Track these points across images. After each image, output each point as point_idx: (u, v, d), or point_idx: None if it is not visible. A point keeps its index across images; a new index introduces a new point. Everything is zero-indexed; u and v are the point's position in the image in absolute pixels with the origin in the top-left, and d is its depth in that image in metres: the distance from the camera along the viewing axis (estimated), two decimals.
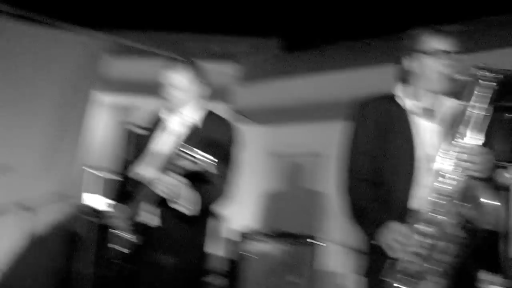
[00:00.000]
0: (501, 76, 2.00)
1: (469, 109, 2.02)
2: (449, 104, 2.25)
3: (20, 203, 4.43)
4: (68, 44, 5.47)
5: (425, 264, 2.00)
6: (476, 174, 2.00)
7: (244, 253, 4.61)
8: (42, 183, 4.83)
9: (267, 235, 4.70)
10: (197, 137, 2.67)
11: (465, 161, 1.99)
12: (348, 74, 4.97)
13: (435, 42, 2.21)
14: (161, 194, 2.44)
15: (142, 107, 5.61)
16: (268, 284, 4.53)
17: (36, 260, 4.75)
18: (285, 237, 4.68)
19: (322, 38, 5.41)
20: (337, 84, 5.01)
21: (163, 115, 2.85)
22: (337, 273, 4.78)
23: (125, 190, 2.82)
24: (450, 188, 2.01)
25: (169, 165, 2.42)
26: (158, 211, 2.55)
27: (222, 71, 5.59)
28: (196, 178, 2.48)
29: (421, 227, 2.02)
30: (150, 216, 2.56)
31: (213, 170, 2.34)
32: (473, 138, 2.01)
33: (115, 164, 3.05)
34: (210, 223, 2.71)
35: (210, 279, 3.22)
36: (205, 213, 2.58)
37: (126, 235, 2.59)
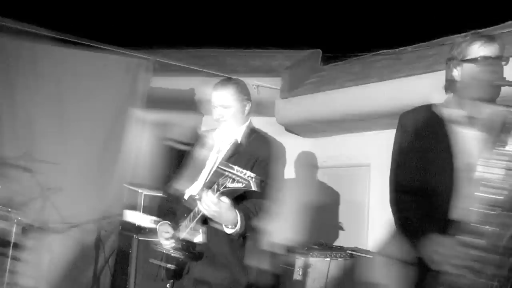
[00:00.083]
0: None
1: (511, 116, 1.96)
2: (491, 111, 2.18)
3: (65, 220, 4.54)
4: (109, 64, 5.61)
5: (476, 278, 1.92)
6: None
7: (288, 267, 4.57)
8: (85, 201, 4.94)
9: (310, 248, 4.65)
10: (238, 154, 2.65)
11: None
12: (391, 83, 4.89)
13: (477, 49, 2.15)
14: (203, 211, 2.44)
15: (182, 123, 5.70)
16: None
17: (80, 275, 4.85)
18: (328, 250, 4.63)
19: (362, 48, 5.38)
20: (380, 94, 4.93)
21: (204, 131, 2.86)
22: (382, 285, 4.68)
23: (167, 206, 2.85)
24: (500, 197, 1.93)
25: (211, 183, 2.41)
26: (201, 227, 2.55)
27: (264, 85, 5.60)
28: (238, 196, 2.48)
29: (467, 238, 1.95)
30: (193, 233, 2.57)
31: (255, 187, 2.32)
32: None
33: (156, 181, 3.08)
34: (252, 237, 2.70)
35: None
36: (247, 229, 2.57)
37: (169, 251, 2.61)
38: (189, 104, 5.37)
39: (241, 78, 2.88)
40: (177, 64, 5.60)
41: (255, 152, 2.65)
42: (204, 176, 2.59)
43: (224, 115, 2.73)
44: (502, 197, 1.93)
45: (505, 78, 2.08)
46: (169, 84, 5.77)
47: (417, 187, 2.18)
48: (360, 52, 5.73)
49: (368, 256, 4.56)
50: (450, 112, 2.21)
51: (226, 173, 2.31)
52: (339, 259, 4.56)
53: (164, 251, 2.64)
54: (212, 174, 2.43)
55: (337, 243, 5.17)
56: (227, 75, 4.99)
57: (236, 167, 2.30)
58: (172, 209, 2.75)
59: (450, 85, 2.24)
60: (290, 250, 4.66)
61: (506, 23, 4.26)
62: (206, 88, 2.79)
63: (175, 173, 2.85)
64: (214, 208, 2.38)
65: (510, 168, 1.93)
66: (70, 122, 5.30)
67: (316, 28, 5.32)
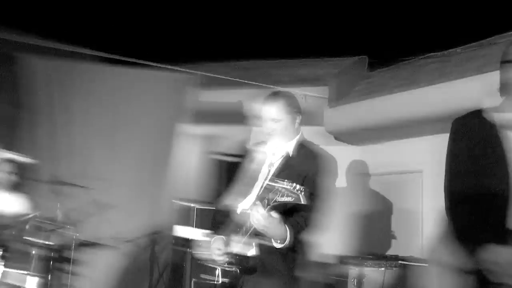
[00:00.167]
0: None
1: None
2: None
3: (119, 235, 4.63)
4: (157, 81, 5.75)
5: None
6: None
7: (341, 278, 4.51)
8: (138, 216, 5.04)
9: (364, 258, 4.58)
10: (289, 167, 2.63)
11: None
12: (440, 87, 4.77)
13: None
14: (253, 225, 2.44)
15: (231, 137, 5.74)
16: None
17: None
18: (383, 259, 4.54)
19: (409, 52, 5.28)
20: (430, 98, 4.82)
21: (254, 145, 2.86)
22: None
23: (219, 221, 2.86)
24: None
25: (262, 197, 2.41)
26: (251, 241, 2.55)
27: (311, 94, 5.58)
28: (288, 209, 2.46)
29: None
30: (246, 247, 2.57)
31: (304, 201, 2.30)
32: None
33: (205, 195, 3.10)
34: (303, 250, 2.68)
35: None
36: (297, 241, 2.55)
37: (223, 266, 2.62)
38: (238, 117, 5.42)
39: (288, 89, 2.88)
40: (224, 77, 5.66)
41: (306, 165, 2.63)
42: (255, 190, 2.58)
43: (275, 129, 2.72)
44: None
45: None
46: (217, 98, 5.82)
47: (472, 195, 2.11)
48: (407, 56, 5.63)
49: (422, 265, 4.44)
50: (504, 117, 2.13)
51: (276, 187, 2.30)
52: (394, 268, 4.46)
53: (218, 266, 2.65)
54: (263, 189, 2.42)
55: (390, 252, 5.06)
56: (273, 86, 4.99)
57: (286, 181, 2.29)
58: (224, 223, 2.76)
59: (505, 88, 2.16)
60: (343, 260, 4.60)
61: None
62: (254, 101, 2.78)
63: (226, 187, 2.86)
64: (264, 222, 2.38)
65: None
66: (121, 139, 5.44)
67: (361, 34, 5.27)
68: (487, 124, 2.15)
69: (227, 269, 2.61)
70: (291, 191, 2.29)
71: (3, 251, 2.85)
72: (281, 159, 2.69)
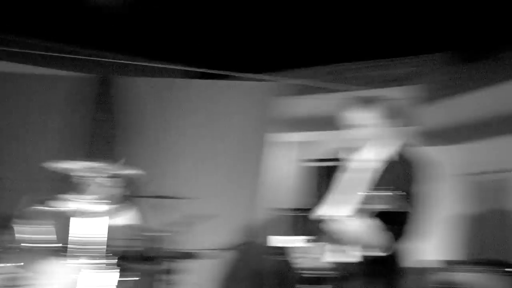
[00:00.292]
0: None
1: None
2: None
3: (212, 246, 4.74)
4: (244, 91, 5.89)
5: None
6: None
7: (443, 285, 4.36)
8: (230, 226, 5.14)
9: (465, 263, 4.40)
10: (386, 173, 2.60)
11: None
12: None
13: None
14: (353, 233, 2.42)
15: (323, 143, 5.74)
16: None
17: None
18: (486, 265, 4.33)
19: (499, 44, 5.04)
20: None
21: (348, 151, 2.84)
22: None
23: (314, 228, 2.86)
24: None
25: (359, 204, 2.39)
26: (350, 249, 2.54)
27: (402, 95, 5.47)
28: (388, 216, 2.43)
29: None
30: (343, 254, 2.56)
31: (403, 207, 2.25)
32: None
33: (300, 203, 3.11)
34: (404, 256, 2.63)
35: None
36: (398, 249, 2.51)
37: (319, 274, 2.62)
38: (330, 123, 5.38)
39: (378, 90, 2.85)
40: (307, 84, 5.68)
41: (405, 170, 2.58)
42: (352, 197, 2.56)
43: (370, 134, 2.70)
44: None
45: None
46: (308, 104, 5.84)
47: None
48: (498, 49, 5.36)
49: None
50: None
51: (375, 194, 2.27)
52: (499, 274, 4.25)
53: (316, 274, 2.65)
54: (361, 196, 2.40)
55: (493, 257, 4.83)
56: (364, 88, 4.93)
57: (384, 188, 2.26)
58: (321, 231, 2.76)
59: None
60: (445, 266, 4.44)
61: None
62: (346, 106, 2.77)
63: (321, 195, 2.86)
64: (364, 230, 2.36)
65: None
66: (214, 150, 5.61)
67: (448, 30, 5.06)
68: None
69: (326, 277, 2.60)
70: (390, 198, 2.25)
71: (118, 259, 3.06)
72: (378, 165, 2.65)
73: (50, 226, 3.21)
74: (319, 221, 2.79)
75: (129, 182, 3.41)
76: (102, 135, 5.59)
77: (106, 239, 2.95)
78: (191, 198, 4.61)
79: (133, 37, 5.71)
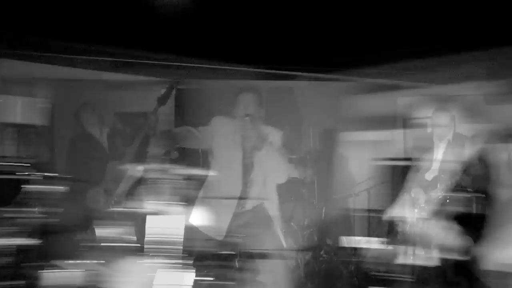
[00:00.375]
0: None
1: None
2: None
3: (283, 247, 4.75)
4: (316, 91, 5.89)
5: None
6: None
7: None
8: (301, 226, 5.13)
9: None
10: (462, 173, 2.55)
11: None
12: None
13: None
14: (431, 236, 2.38)
15: (395, 142, 5.64)
16: None
17: None
18: None
19: None
20: None
21: (421, 151, 2.81)
22: None
23: (385, 229, 2.83)
24: None
25: (433, 207, 2.35)
26: (428, 251, 2.49)
27: (479, 92, 5.28)
28: (467, 219, 2.36)
29: None
30: (421, 257, 2.52)
31: (483, 209, 2.19)
32: None
33: (372, 203, 3.08)
34: (485, 259, 2.54)
35: None
36: (478, 252, 2.43)
37: (392, 276, 2.58)
38: (401, 121, 5.33)
39: (445, 86, 2.81)
40: (380, 82, 5.61)
41: (482, 171, 2.51)
42: (427, 198, 2.52)
43: (446, 133, 2.67)
44: None
45: None
46: (378, 103, 5.77)
47: None
48: None
49: None
50: None
51: (453, 197, 2.23)
52: None
53: (389, 276, 2.62)
54: (436, 197, 2.35)
55: None
56: (439, 86, 4.81)
57: (462, 190, 2.21)
58: (396, 232, 2.72)
59: None
60: None
61: None
62: (420, 104, 2.77)
63: (394, 195, 2.83)
64: (438, 233, 2.32)
65: None
66: (287, 152, 5.65)
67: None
68: None
69: (399, 280, 2.57)
70: (468, 200, 2.20)
71: (194, 259, 3.13)
72: (455, 166, 2.60)
73: (128, 226, 3.33)
74: (394, 222, 2.75)
75: (203, 183, 3.49)
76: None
77: (182, 239, 3.02)
78: (262, 198, 4.65)
79: (202, 40, 5.83)
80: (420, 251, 2.49)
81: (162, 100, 3.77)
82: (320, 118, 6.00)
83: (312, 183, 5.20)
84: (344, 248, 4.85)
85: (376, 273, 2.67)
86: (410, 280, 2.53)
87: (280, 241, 3.05)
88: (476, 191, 2.21)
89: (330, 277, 4.91)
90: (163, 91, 3.81)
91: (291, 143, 6.08)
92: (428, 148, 2.77)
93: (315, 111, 5.89)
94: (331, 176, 5.76)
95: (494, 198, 2.46)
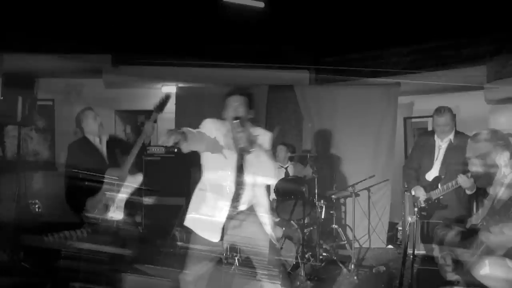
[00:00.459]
0: None
1: None
2: None
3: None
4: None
5: None
6: None
7: None
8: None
9: None
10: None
11: None
12: None
13: None
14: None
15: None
16: None
17: None
18: None
19: None
20: None
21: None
22: None
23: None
24: None
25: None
26: (508, 262, 2.49)
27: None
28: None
29: None
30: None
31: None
32: None
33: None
34: None
35: None
36: None
37: (396, 274, 2.58)
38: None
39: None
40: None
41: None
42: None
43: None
44: None
45: None
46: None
47: None
48: None
49: None
50: None
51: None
52: None
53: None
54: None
55: None
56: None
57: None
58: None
59: None
60: None
61: None
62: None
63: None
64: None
65: None
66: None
67: None
68: None
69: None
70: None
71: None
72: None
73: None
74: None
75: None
76: None
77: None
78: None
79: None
80: (504, 263, 2.49)
81: (158, 108, 3.85)
82: (320, 118, 6.31)
83: (312, 181, 5.24)
84: (422, 256, 4.84)
85: (454, 284, 2.68)
86: (409, 280, 2.53)
87: (272, 242, 3.07)
88: (476, 191, 2.21)
89: (330, 276, 4.91)
90: (160, 99, 3.90)
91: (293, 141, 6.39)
92: (429, 148, 2.79)
93: (376, 112, 6.16)
94: (331, 175, 6.02)
95: (494, 198, 2.46)
